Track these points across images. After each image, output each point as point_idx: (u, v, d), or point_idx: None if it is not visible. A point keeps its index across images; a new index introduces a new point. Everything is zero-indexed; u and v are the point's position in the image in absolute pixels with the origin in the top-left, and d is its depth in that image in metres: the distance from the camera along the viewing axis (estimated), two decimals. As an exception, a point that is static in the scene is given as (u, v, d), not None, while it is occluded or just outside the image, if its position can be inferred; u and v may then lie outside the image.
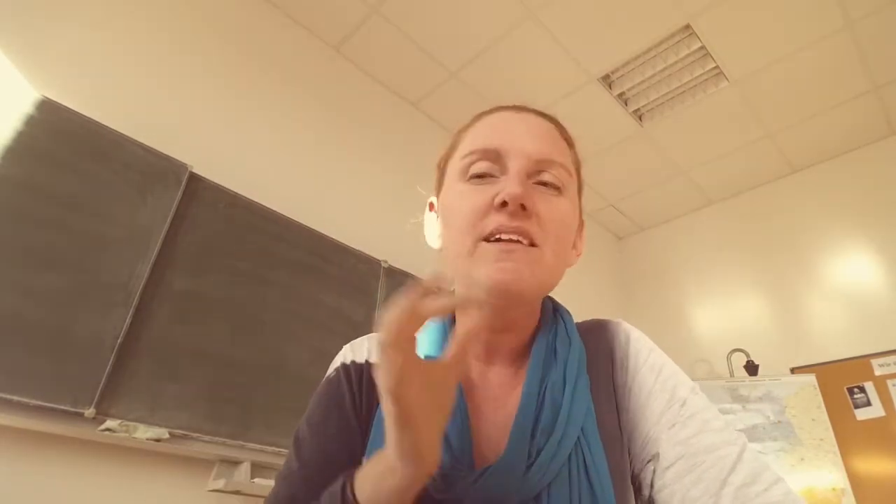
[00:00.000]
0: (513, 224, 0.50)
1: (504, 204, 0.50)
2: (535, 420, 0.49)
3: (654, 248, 3.89)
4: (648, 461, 0.50)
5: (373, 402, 0.55)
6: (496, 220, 0.50)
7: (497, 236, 0.50)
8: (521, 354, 0.57)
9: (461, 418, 0.51)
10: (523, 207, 0.50)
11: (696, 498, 0.45)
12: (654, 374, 0.54)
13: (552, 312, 0.60)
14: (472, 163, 0.54)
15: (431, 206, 0.64)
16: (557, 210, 0.53)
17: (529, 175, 0.53)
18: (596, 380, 0.54)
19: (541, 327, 0.57)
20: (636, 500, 0.51)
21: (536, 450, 0.47)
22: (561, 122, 0.62)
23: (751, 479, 0.45)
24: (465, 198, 0.53)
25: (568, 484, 0.47)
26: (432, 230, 0.62)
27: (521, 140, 0.54)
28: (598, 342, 0.58)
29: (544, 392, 0.51)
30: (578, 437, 0.49)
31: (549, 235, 0.52)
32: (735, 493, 0.44)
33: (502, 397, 0.55)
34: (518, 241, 0.50)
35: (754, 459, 0.47)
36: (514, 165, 0.52)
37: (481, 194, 0.52)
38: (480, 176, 0.54)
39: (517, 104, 0.61)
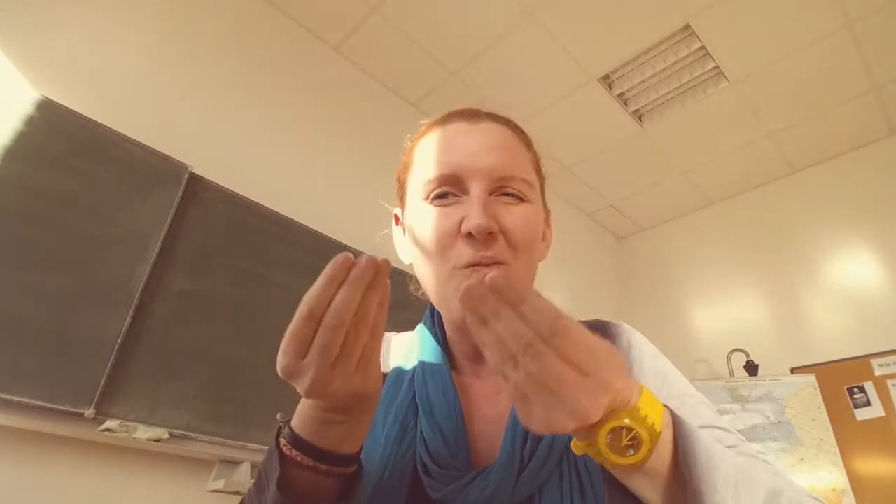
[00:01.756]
0: (487, 255, 0.51)
1: (470, 234, 0.50)
2: None
3: (653, 248, 3.89)
4: None
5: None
6: (467, 252, 0.51)
7: (472, 266, 0.51)
8: None
9: (456, 419, 0.52)
10: (491, 234, 0.51)
11: None
12: (660, 380, 0.54)
13: None
14: (433, 190, 0.54)
15: (397, 218, 0.65)
16: (522, 218, 0.53)
17: (491, 192, 0.53)
18: None
19: None
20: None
21: (529, 454, 0.48)
22: (515, 122, 0.61)
23: (774, 496, 0.45)
24: (429, 221, 0.54)
25: (559, 487, 0.47)
26: (401, 245, 0.63)
27: (479, 157, 0.54)
28: None
29: None
30: (570, 439, 0.49)
31: (518, 249, 0.52)
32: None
33: (494, 395, 0.56)
34: (492, 265, 0.51)
35: (766, 470, 0.47)
36: (476, 188, 0.52)
37: (446, 218, 0.53)
38: (443, 196, 0.54)
39: (470, 109, 0.60)
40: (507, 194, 0.54)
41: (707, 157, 3.25)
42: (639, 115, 2.99)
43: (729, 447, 0.48)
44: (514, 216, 0.53)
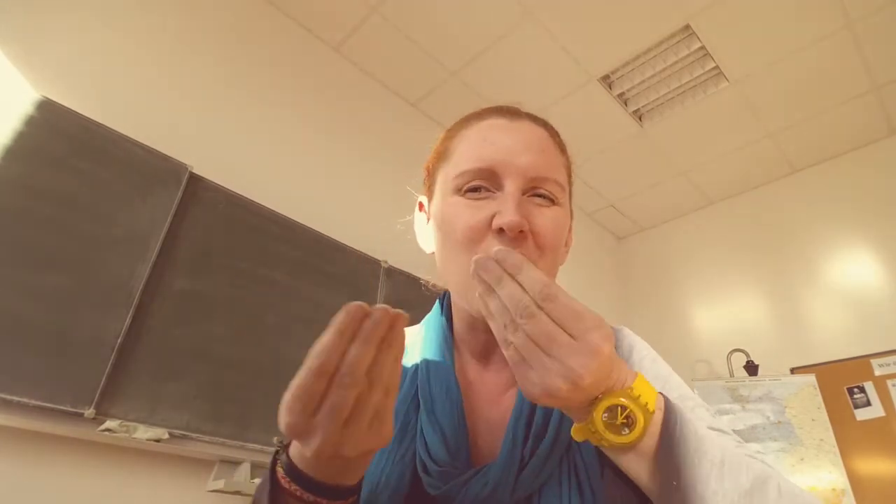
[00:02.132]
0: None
1: (502, 230, 0.50)
2: (528, 424, 0.50)
3: (653, 248, 3.89)
4: None
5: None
6: (496, 247, 0.52)
7: None
8: None
9: (458, 417, 0.52)
10: (522, 232, 0.51)
11: None
12: (660, 383, 0.54)
13: None
14: (467, 182, 0.54)
15: (421, 206, 0.64)
16: (553, 221, 0.54)
17: (525, 192, 0.53)
18: None
19: None
20: None
21: (529, 453, 0.48)
22: (553, 126, 0.61)
23: (761, 481, 0.45)
24: (461, 213, 0.53)
25: (559, 486, 0.48)
26: (424, 234, 0.63)
27: (516, 156, 0.53)
28: None
29: None
30: (570, 441, 0.49)
31: (546, 251, 0.53)
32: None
33: (497, 396, 0.56)
34: None
35: (768, 473, 0.47)
36: (510, 186, 0.52)
37: (478, 211, 0.52)
38: (475, 189, 0.54)
39: (510, 107, 0.60)
40: (539, 195, 0.54)
41: (707, 157, 3.25)
42: (639, 115, 2.99)
43: None
44: (545, 218, 0.53)
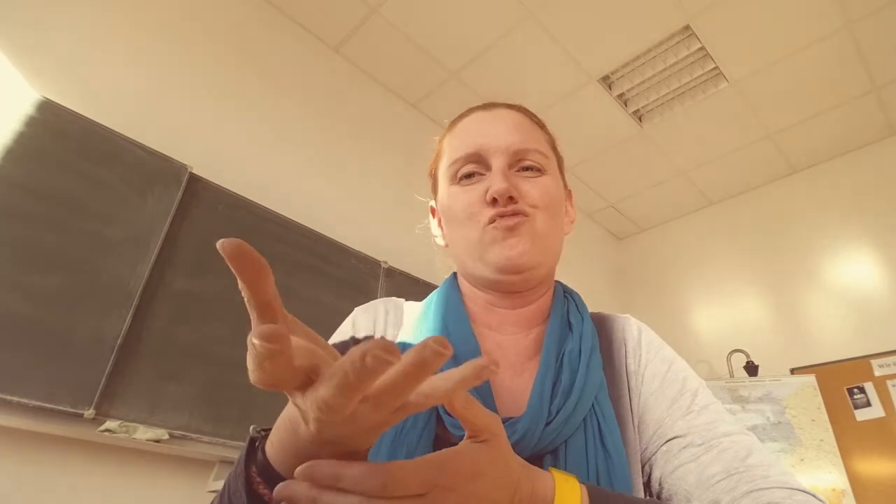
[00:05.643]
0: (507, 209, 0.56)
1: (494, 200, 0.56)
2: (554, 383, 0.52)
3: (653, 248, 3.89)
4: (664, 443, 0.52)
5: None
6: (492, 211, 0.56)
7: (496, 220, 0.56)
8: (534, 326, 0.61)
9: (483, 384, 0.52)
10: (511, 198, 0.56)
11: (714, 474, 0.48)
12: (666, 365, 0.58)
13: (563, 293, 0.64)
14: (459, 168, 0.60)
15: (433, 210, 0.69)
16: (542, 186, 0.59)
17: (511, 166, 0.59)
18: (609, 362, 0.58)
19: (554, 302, 0.62)
20: (643, 482, 0.53)
21: (556, 409, 0.50)
22: (528, 108, 0.67)
23: (767, 463, 0.48)
24: (459, 197, 0.59)
25: (584, 442, 0.50)
26: (437, 231, 0.68)
27: (498, 137, 0.59)
28: (612, 331, 0.62)
29: (562, 358, 0.54)
30: (593, 405, 0.52)
31: (539, 209, 0.57)
32: (752, 472, 0.47)
33: (519, 365, 0.57)
34: (515, 215, 0.56)
35: (767, 450, 0.50)
36: (496, 162, 0.58)
37: (473, 191, 0.58)
38: (469, 175, 0.59)
39: (486, 102, 0.66)
40: (526, 168, 0.59)
41: (707, 158, 3.25)
42: (639, 116, 2.99)
43: (724, 435, 0.50)
44: (533, 184, 0.58)
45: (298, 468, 0.31)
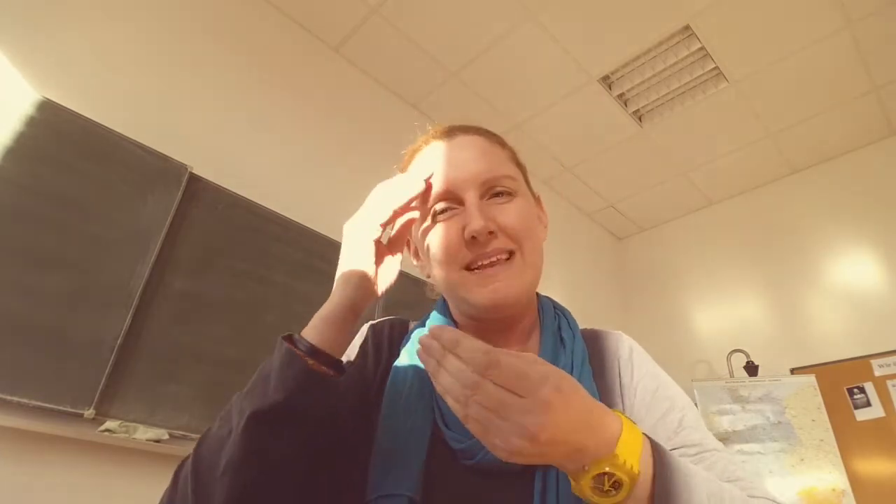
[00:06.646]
0: (488, 250, 0.56)
1: (473, 238, 0.56)
2: None
3: (653, 248, 3.89)
4: None
5: (391, 360, 0.62)
6: (469, 256, 0.57)
7: (478, 263, 0.57)
8: (525, 341, 0.63)
9: None
10: (491, 233, 0.56)
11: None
12: (657, 382, 0.59)
13: (553, 308, 0.65)
14: (431, 206, 0.60)
15: (408, 243, 0.68)
16: (516, 212, 0.59)
17: (482, 196, 0.59)
18: (601, 375, 0.59)
19: (545, 318, 0.63)
20: None
21: None
22: (484, 128, 0.67)
23: (752, 486, 0.51)
24: (436, 234, 0.59)
25: None
26: (416, 262, 0.69)
27: (464, 169, 0.59)
28: (604, 345, 0.63)
29: None
30: None
31: (521, 241, 0.58)
32: (741, 484, 0.50)
33: None
34: (497, 261, 0.57)
35: (753, 471, 0.53)
36: (469, 197, 0.58)
37: (449, 229, 0.58)
38: (443, 211, 0.59)
39: (444, 128, 0.66)
40: (497, 194, 0.59)
41: (707, 157, 3.25)
42: (639, 116, 2.99)
43: (714, 450, 0.53)
44: (508, 213, 0.58)
45: (433, 326, 0.42)
